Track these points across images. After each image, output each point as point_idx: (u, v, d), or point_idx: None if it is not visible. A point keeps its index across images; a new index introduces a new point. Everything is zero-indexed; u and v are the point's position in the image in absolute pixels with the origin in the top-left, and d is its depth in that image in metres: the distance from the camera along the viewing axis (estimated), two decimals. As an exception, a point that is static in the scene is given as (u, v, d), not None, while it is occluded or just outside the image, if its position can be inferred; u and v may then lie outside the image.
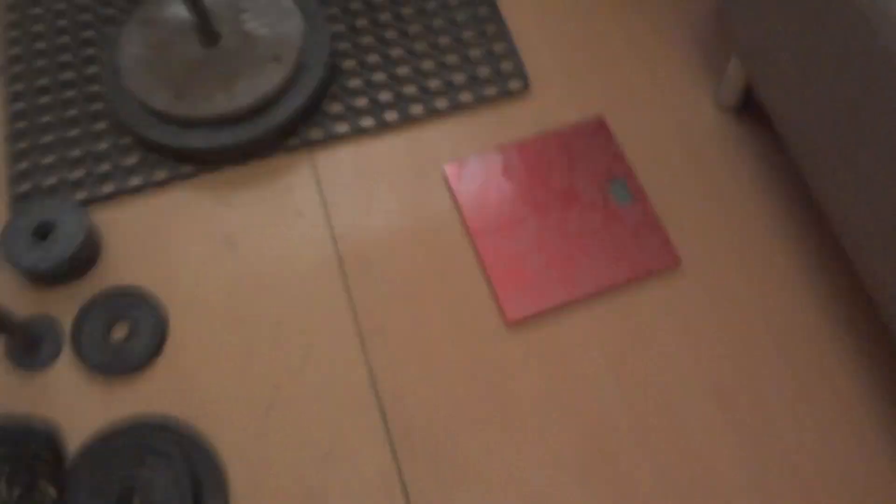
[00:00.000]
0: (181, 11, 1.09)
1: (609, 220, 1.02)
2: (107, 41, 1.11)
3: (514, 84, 1.12)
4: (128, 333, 0.95)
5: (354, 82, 1.13)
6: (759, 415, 0.91)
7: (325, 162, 1.08)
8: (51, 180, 1.04)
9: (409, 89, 1.12)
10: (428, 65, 1.14)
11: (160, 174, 1.05)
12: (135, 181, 1.05)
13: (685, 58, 1.15)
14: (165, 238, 1.02)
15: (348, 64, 1.14)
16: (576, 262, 0.99)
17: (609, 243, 1.01)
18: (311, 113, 1.09)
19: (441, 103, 1.11)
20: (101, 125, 1.08)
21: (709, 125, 1.10)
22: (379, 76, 1.13)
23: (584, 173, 1.06)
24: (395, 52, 1.15)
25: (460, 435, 0.90)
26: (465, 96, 1.11)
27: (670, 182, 1.06)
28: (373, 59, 1.14)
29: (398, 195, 1.05)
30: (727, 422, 0.90)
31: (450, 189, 1.05)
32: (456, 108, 1.10)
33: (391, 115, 1.10)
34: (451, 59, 1.14)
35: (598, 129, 1.08)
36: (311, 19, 1.12)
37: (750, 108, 1.11)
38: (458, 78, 1.13)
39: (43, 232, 0.97)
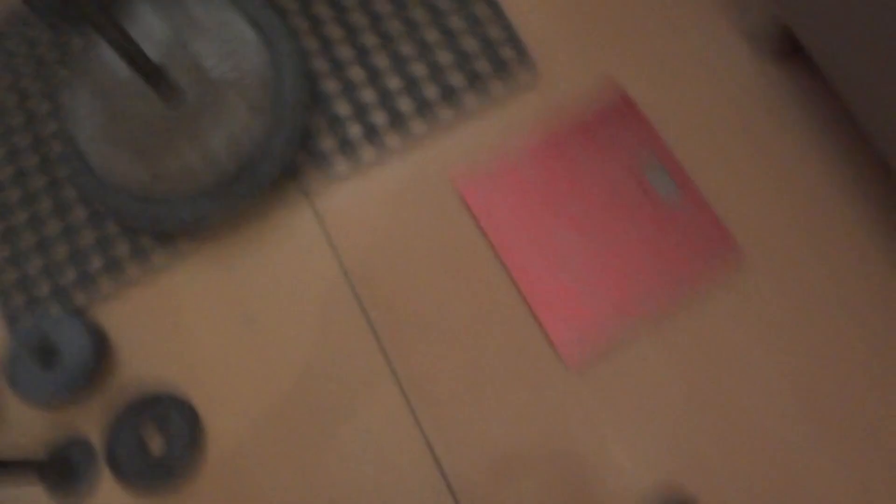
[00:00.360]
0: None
1: (654, 217, 0.91)
2: (63, 115, 0.99)
3: (519, 73, 0.98)
4: (164, 444, 0.88)
5: (342, 107, 1.00)
6: (860, 426, 0.82)
7: (327, 204, 0.97)
8: (43, 289, 0.95)
9: (405, 104, 0.99)
10: (419, 69, 1.00)
11: (155, 257, 0.95)
12: (131, 271, 0.95)
13: (714, 5, 1.00)
14: (176, 323, 0.94)
15: (330, 85, 1.01)
16: (626, 276, 0.89)
17: (659, 245, 0.90)
18: (301, 153, 0.98)
19: (444, 113, 0.98)
20: (78, 215, 0.98)
21: (752, 82, 0.95)
22: (367, 94, 1.00)
23: (615, 164, 0.93)
24: (380, 61, 1.01)
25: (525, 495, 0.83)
26: (469, 100, 0.98)
27: (716, 159, 0.93)
28: (356, 73, 1.01)
29: (414, 227, 0.94)
30: (822, 439, 0.82)
31: (468, 208, 0.94)
32: (460, 115, 0.97)
33: (392, 140, 0.98)
34: (444, 56, 1.00)
35: (623, 109, 0.95)
36: (274, 40, 0.98)
37: (794, 57, 0.96)
38: (456, 79, 0.99)
39: (47, 356, 0.89)
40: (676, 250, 0.89)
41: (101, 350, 0.90)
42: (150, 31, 0.96)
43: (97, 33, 0.78)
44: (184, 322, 0.94)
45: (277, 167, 0.93)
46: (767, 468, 0.81)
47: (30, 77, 1.05)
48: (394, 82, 1.00)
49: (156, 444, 0.89)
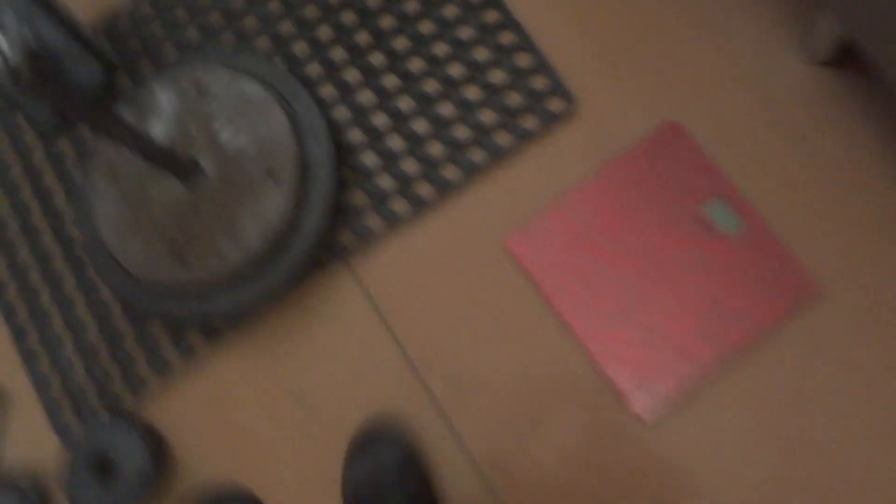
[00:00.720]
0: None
1: (718, 255, 0.85)
2: (79, 207, 0.93)
3: (555, 105, 0.91)
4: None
5: (369, 158, 0.93)
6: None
7: (367, 269, 0.92)
8: (91, 397, 0.91)
9: (435, 149, 0.92)
10: (446, 109, 0.93)
11: (198, 349, 0.91)
12: (177, 366, 0.91)
13: (763, 21, 0.91)
14: (227, 412, 0.90)
15: (354, 135, 0.94)
16: (693, 316, 0.84)
17: (728, 285, 0.84)
18: (334, 219, 0.92)
19: (477, 156, 0.91)
20: (113, 314, 0.93)
21: (810, 100, 0.88)
22: (394, 141, 0.93)
23: (669, 198, 0.87)
24: (404, 104, 0.94)
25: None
26: (503, 138, 0.91)
27: (781, 187, 0.87)
28: (380, 120, 0.94)
29: (461, 286, 0.89)
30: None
31: (517, 260, 0.89)
32: (496, 155, 0.91)
33: (425, 189, 0.92)
34: (472, 92, 0.93)
35: (673, 139, 0.88)
36: (292, 101, 0.91)
37: (850, 69, 0.88)
38: (488, 116, 0.92)
39: (105, 470, 0.86)
40: (743, 286, 0.84)
41: (157, 455, 0.87)
42: (159, 109, 0.89)
43: (99, 134, 0.72)
44: (235, 410, 0.91)
45: (312, 241, 0.87)
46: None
47: (50, 178, 0.99)
48: (420, 126, 0.93)
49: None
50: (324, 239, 0.89)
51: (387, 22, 0.95)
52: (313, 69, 0.96)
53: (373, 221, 0.92)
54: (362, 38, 0.96)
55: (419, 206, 0.91)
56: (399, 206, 0.92)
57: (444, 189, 0.91)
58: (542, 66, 0.91)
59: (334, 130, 0.94)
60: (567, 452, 0.84)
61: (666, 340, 0.84)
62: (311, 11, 0.97)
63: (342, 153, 0.94)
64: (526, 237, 0.89)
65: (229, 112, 0.89)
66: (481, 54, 0.93)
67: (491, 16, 0.94)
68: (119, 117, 0.72)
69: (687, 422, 0.83)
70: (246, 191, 0.87)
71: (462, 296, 0.89)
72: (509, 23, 0.93)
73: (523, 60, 0.92)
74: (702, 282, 0.85)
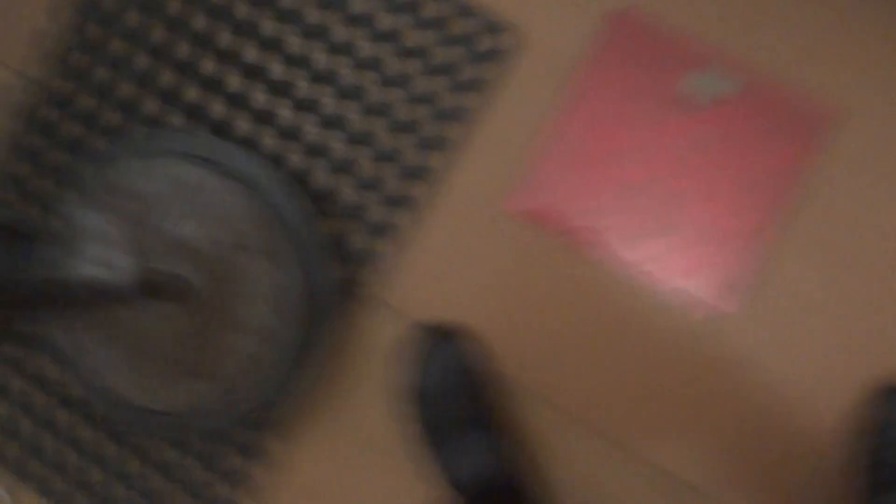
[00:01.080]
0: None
1: (719, 126, 0.80)
2: (79, 375, 0.85)
3: (497, 41, 0.83)
4: None
5: (336, 181, 0.86)
6: None
7: (392, 291, 0.86)
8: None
9: (401, 141, 0.85)
10: (393, 95, 0.85)
11: (269, 447, 0.86)
12: (258, 476, 0.86)
13: None
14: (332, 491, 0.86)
15: (317, 175, 0.86)
16: (728, 201, 0.80)
17: (741, 150, 0.80)
18: (341, 264, 0.85)
19: (446, 131, 0.84)
20: (171, 461, 0.87)
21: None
22: (356, 151, 0.86)
23: (649, 93, 0.81)
24: (348, 110, 0.86)
25: None
26: (464, 99, 0.84)
27: (764, 24, 0.80)
28: (330, 137, 0.86)
29: (492, 270, 0.84)
30: None
31: (535, 223, 0.83)
32: (464, 121, 0.84)
33: (412, 188, 0.85)
34: (411, 66, 0.85)
35: (625, 28, 0.82)
36: (230, 160, 0.82)
37: None
38: (437, 84, 0.84)
39: None
40: (756, 143, 0.80)
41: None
42: (96, 236, 0.81)
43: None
44: (335, 487, 0.86)
45: (321, 291, 0.81)
46: None
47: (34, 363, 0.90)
48: (376, 125, 0.85)
49: None
50: (332, 283, 0.82)
51: (294, 44, 0.86)
52: (241, 125, 0.87)
53: (375, 245, 0.85)
54: (275, 69, 0.86)
55: (413, 207, 0.84)
56: (393, 217, 0.85)
57: (431, 177, 0.84)
58: (465, 9, 0.83)
59: (288, 173, 0.86)
60: (674, 372, 0.81)
61: (709, 231, 0.80)
62: (207, 66, 0.87)
63: (308, 189, 0.86)
64: (529, 192, 0.83)
65: (175, 205, 0.81)
66: (405, 25, 0.85)
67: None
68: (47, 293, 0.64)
69: (768, 298, 0.79)
70: (232, 277, 0.80)
71: (495, 279, 0.84)
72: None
73: (446, 11, 0.84)
74: (715, 160, 0.80)
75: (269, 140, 0.87)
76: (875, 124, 0.79)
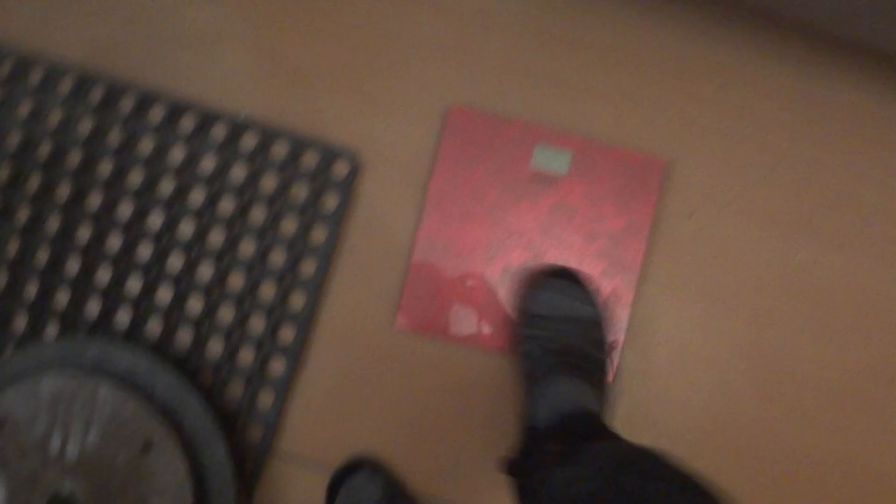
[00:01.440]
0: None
1: (569, 197, 0.85)
2: None
3: (343, 167, 0.87)
4: None
5: (214, 348, 0.86)
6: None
7: (293, 441, 0.84)
8: None
9: (266, 290, 0.86)
10: (248, 249, 0.86)
11: None
12: None
13: None
14: None
15: (182, 339, 0.86)
16: (596, 263, 0.84)
17: (596, 214, 0.84)
18: (235, 430, 0.83)
19: (309, 267, 0.86)
20: None
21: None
22: (226, 312, 0.86)
23: (504, 178, 0.86)
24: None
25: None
26: (321, 233, 0.86)
27: (576, 95, 0.87)
28: (196, 306, 0.86)
29: (377, 394, 0.84)
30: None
31: (418, 334, 0.84)
32: (325, 257, 0.86)
33: (288, 333, 0.85)
34: (256, 215, 0.87)
35: (461, 121, 0.87)
36: (105, 358, 0.81)
37: None
38: (289, 226, 0.86)
39: None
40: (609, 205, 0.85)
41: None
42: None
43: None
44: None
45: (229, 470, 0.78)
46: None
47: None
48: (237, 281, 0.86)
49: None
50: (230, 459, 0.80)
51: (155, 221, 0.87)
52: (120, 318, 0.87)
53: (264, 400, 0.85)
54: (142, 250, 0.87)
55: (293, 353, 0.85)
56: (273, 368, 0.85)
57: (304, 320, 0.85)
58: (302, 144, 0.87)
59: (172, 356, 0.86)
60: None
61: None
62: (72, 267, 0.87)
63: (192, 364, 0.85)
64: (408, 312, 0.85)
65: (56, 422, 0.78)
66: (255, 173, 0.87)
67: (220, 132, 0.88)
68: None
69: (641, 356, 0.82)
70: (128, 479, 0.77)
71: (394, 397, 0.84)
72: (248, 128, 0.88)
73: (281, 151, 0.87)
74: (574, 229, 0.84)
75: (152, 324, 0.86)
76: (699, 168, 0.85)
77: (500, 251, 0.84)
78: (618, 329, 0.83)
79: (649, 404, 0.84)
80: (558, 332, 0.76)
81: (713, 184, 0.85)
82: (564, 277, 0.79)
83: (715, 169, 0.85)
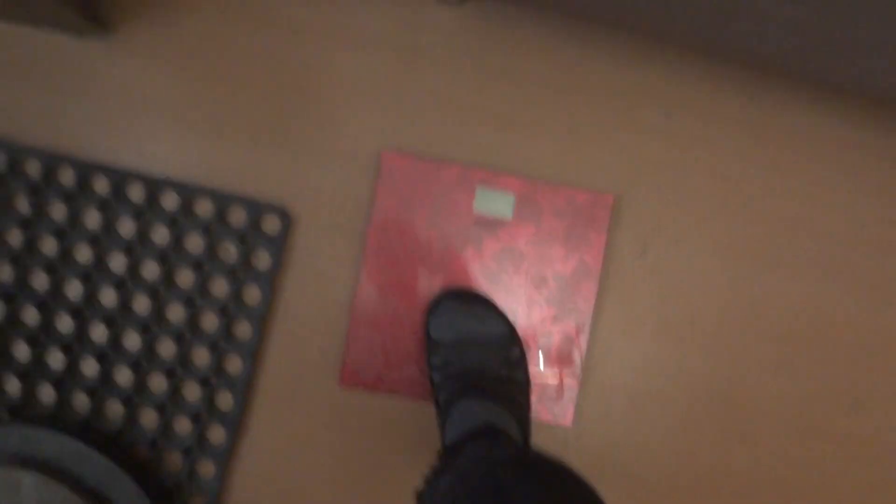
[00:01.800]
0: None
1: (517, 240, 0.81)
2: None
3: (273, 224, 0.82)
4: None
5: (147, 417, 0.81)
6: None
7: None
8: None
9: (200, 356, 0.81)
10: (177, 314, 0.81)
11: None
12: None
13: None
14: None
15: (113, 411, 0.81)
16: (547, 309, 0.80)
17: (544, 257, 0.81)
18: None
19: (244, 331, 0.81)
20: None
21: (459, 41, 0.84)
22: (157, 382, 0.81)
23: (446, 228, 0.81)
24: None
25: None
26: (256, 294, 0.81)
27: (518, 135, 0.83)
28: (126, 377, 0.81)
29: (319, 453, 0.80)
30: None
31: (366, 391, 0.80)
32: (260, 319, 0.81)
33: (226, 400, 0.80)
34: (184, 279, 0.81)
35: (392, 167, 0.82)
36: (24, 443, 0.76)
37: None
38: (219, 288, 0.81)
39: None
40: (558, 246, 0.81)
41: None
42: None
43: None
44: None
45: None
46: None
47: None
48: (167, 350, 0.81)
49: None
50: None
51: (74, 291, 0.81)
52: (44, 397, 0.81)
53: (205, 470, 0.80)
54: (62, 323, 0.81)
55: (232, 420, 0.80)
56: (213, 437, 0.80)
57: (242, 386, 0.80)
58: (227, 201, 0.81)
59: (99, 433, 0.80)
60: None
61: (533, 350, 0.79)
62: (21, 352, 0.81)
63: (124, 444, 0.80)
64: (352, 370, 0.80)
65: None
66: (162, 237, 0.82)
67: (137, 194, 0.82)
68: None
69: (597, 394, 0.79)
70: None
71: (341, 455, 0.80)
72: (166, 186, 0.82)
73: (206, 209, 0.82)
74: (522, 274, 0.80)
75: (79, 400, 0.81)
76: (649, 202, 0.82)
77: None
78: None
79: (609, 448, 0.81)
80: (460, 357, 0.72)
81: (664, 217, 0.82)
82: (462, 299, 0.76)
83: (665, 202, 0.82)
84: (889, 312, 0.82)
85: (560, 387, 0.80)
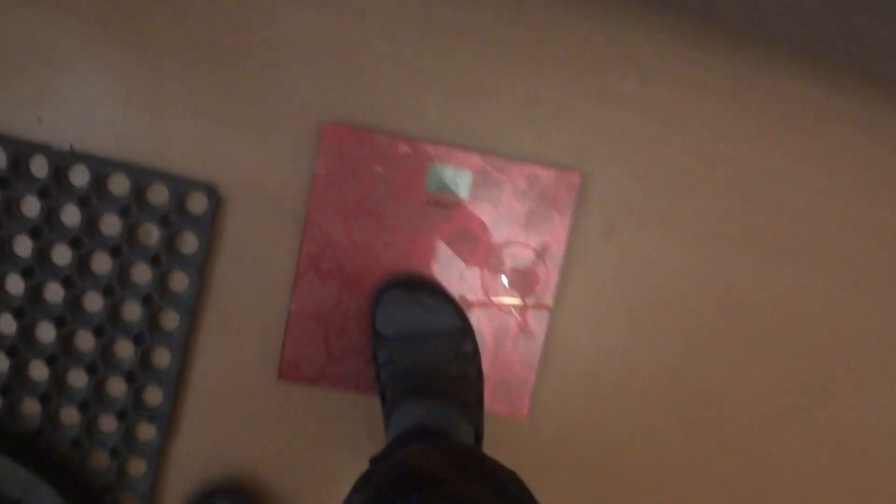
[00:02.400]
0: None
1: (477, 219, 0.73)
2: None
3: (200, 202, 0.73)
4: None
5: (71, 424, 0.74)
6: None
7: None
8: None
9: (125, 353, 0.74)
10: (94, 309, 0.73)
11: None
12: None
13: None
14: None
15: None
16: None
17: (509, 228, 0.73)
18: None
19: (170, 321, 0.73)
20: None
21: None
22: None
23: (397, 206, 0.73)
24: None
25: None
26: (183, 281, 0.73)
27: (464, 111, 0.74)
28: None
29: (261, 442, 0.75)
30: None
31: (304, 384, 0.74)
32: (192, 315, 0.73)
33: (155, 395, 0.74)
34: (99, 262, 0.73)
35: (337, 141, 0.73)
36: None
37: None
38: (142, 274, 0.73)
39: None
40: (521, 218, 0.73)
41: None
42: None
43: None
44: None
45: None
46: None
47: None
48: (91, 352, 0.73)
49: None
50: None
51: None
52: None
53: (135, 469, 0.74)
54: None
55: (162, 417, 0.73)
56: (142, 434, 0.74)
57: (172, 380, 0.73)
58: (146, 178, 0.72)
59: (14, 435, 0.73)
60: None
61: (488, 339, 0.73)
62: None
63: (43, 445, 0.73)
64: (291, 362, 0.73)
65: None
66: (72, 219, 0.72)
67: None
68: None
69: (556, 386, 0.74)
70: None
71: (265, 463, 0.74)
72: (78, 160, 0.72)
73: (122, 188, 0.72)
74: (478, 259, 0.73)
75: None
76: (618, 179, 0.74)
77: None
78: (531, 355, 0.74)
79: (566, 442, 0.77)
80: (407, 353, 0.66)
81: (634, 196, 0.75)
82: (410, 288, 0.69)
83: (636, 179, 0.75)
84: (868, 299, 0.77)
85: (522, 379, 0.75)
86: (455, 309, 0.69)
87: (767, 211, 0.76)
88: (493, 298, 0.74)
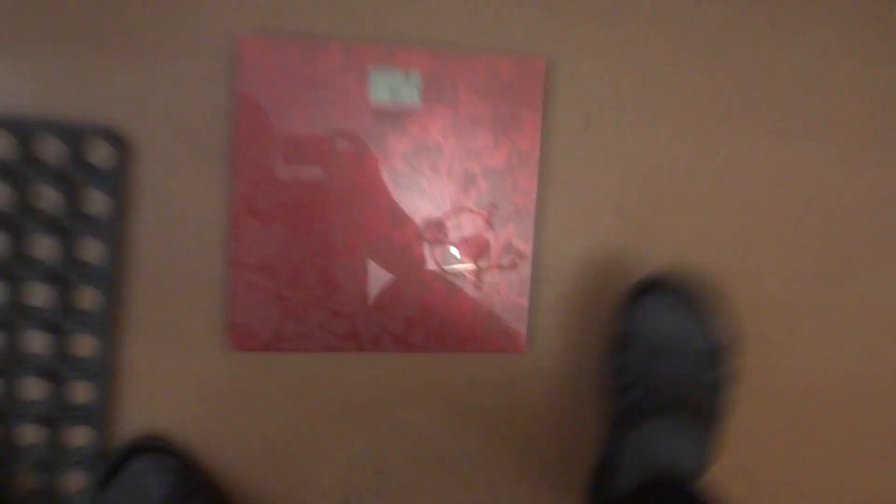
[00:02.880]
0: None
1: (436, 122, 0.63)
2: None
3: (106, 151, 0.61)
4: None
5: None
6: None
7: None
8: None
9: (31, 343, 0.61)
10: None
11: None
12: None
13: None
14: None
15: None
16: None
17: (470, 132, 0.63)
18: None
19: (87, 302, 0.61)
20: None
21: None
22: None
23: (335, 114, 0.62)
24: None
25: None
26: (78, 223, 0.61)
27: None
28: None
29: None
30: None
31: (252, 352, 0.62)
32: (109, 285, 0.61)
33: (82, 391, 0.61)
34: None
35: (253, 49, 0.61)
36: None
37: None
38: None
39: None
40: (480, 131, 0.63)
41: None
42: None
43: None
44: None
45: None
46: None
47: None
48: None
49: None
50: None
51: None
52: None
53: (72, 482, 0.61)
54: None
55: (95, 416, 0.61)
56: (73, 440, 0.61)
57: (98, 371, 0.61)
58: (28, 128, 0.59)
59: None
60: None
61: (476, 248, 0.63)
62: None
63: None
64: (240, 329, 0.62)
65: None
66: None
67: None
68: None
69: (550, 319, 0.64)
70: None
71: (222, 447, 0.62)
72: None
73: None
74: (442, 175, 0.63)
75: None
76: (589, 67, 0.64)
77: (350, 230, 0.62)
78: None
79: (565, 369, 0.67)
80: (662, 365, 0.56)
81: (608, 84, 0.65)
82: (668, 291, 0.58)
83: (609, 65, 0.65)
84: (867, 173, 0.69)
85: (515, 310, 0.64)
86: (722, 326, 0.57)
87: (755, 82, 0.67)
88: (467, 215, 0.63)
